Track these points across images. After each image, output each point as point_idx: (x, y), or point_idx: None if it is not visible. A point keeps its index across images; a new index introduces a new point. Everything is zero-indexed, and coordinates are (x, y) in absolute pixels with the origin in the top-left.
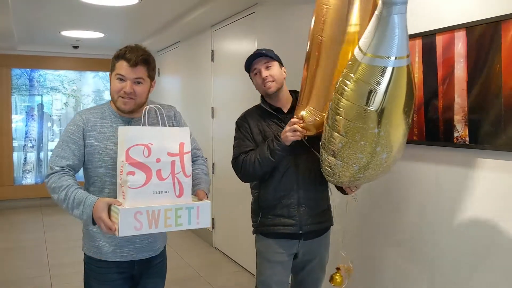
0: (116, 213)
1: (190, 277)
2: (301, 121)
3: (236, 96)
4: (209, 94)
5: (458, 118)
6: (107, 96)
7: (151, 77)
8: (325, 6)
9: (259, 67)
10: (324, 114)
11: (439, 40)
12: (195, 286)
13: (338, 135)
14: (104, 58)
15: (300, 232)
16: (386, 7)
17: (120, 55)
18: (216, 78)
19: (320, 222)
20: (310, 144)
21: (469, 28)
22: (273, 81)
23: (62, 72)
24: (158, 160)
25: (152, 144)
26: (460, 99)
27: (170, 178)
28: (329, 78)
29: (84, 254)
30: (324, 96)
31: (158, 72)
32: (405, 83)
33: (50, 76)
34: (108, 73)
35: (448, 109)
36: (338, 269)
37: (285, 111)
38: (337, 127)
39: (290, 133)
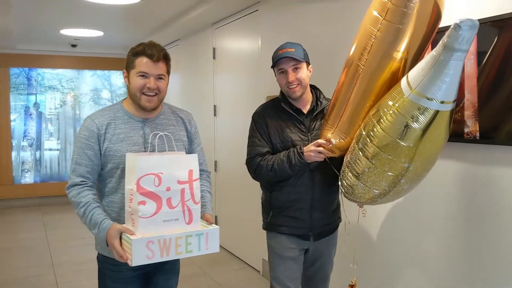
0: (129, 243)
1: (195, 274)
2: (328, 143)
3: (239, 94)
4: (211, 92)
5: (468, 114)
6: (105, 95)
7: (169, 73)
8: (373, 37)
9: (286, 68)
10: (350, 137)
11: None
12: (200, 283)
13: (366, 159)
14: (103, 56)
15: (310, 233)
16: (446, 51)
17: (140, 52)
18: (218, 76)
19: (330, 223)
20: (331, 161)
21: (479, 25)
22: (298, 84)
23: (60, 70)
24: (168, 189)
25: (162, 173)
26: (470, 95)
27: (180, 206)
28: (362, 106)
29: (98, 253)
30: (354, 123)
31: None
32: (445, 127)
33: (48, 74)
34: (106, 72)
35: (458, 105)
36: (351, 286)
37: (305, 112)
38: (367, 152)
39: (314, 153)
